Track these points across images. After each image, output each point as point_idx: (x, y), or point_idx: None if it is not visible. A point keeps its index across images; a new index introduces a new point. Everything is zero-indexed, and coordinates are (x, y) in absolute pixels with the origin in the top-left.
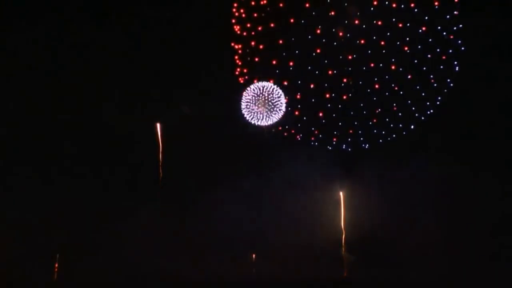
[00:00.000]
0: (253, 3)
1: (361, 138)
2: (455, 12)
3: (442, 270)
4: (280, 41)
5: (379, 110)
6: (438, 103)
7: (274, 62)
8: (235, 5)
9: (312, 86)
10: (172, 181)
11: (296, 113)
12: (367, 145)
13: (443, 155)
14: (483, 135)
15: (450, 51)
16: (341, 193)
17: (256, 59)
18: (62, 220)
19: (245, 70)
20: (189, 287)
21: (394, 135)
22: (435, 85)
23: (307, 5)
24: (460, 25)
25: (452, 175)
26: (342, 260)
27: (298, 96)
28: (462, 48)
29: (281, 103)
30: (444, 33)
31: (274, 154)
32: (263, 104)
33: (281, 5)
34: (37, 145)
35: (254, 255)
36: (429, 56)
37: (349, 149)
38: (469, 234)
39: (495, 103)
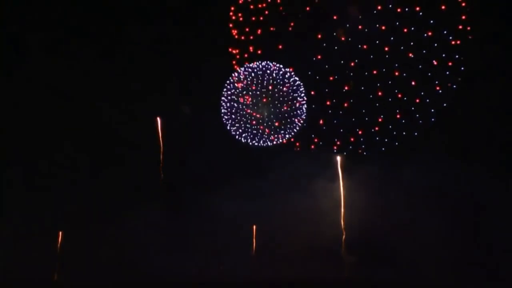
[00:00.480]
0: (251, 6)
1: (363, 146)
2: (462, 17)
3: (442, 270)
4: (280, 46)
5: (382, 117)
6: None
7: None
8: (233, 8)
9: (312, 93)
10: (173, 181)
11: (296, 120)
12: (369, 153)
13: (444, 156)
14: (485, 138)
15: (457, 56)
16: (338, 158)
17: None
18: (61, 220)
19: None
20: (189, 287)
21: (396, 143)
22: (440, 91)
23: (307, 8)
24: (468, 28)
25: (453, 175)
26: (342, 260)
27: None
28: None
29: (300, 103)
30: (450, 38)
31: (274, 153)
32: (266, 107)
33: (280, 8)
34: (36, 144)
35: (253, 255)
36: (434, 62)
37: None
38: (470, 235)
39: (501, 110)
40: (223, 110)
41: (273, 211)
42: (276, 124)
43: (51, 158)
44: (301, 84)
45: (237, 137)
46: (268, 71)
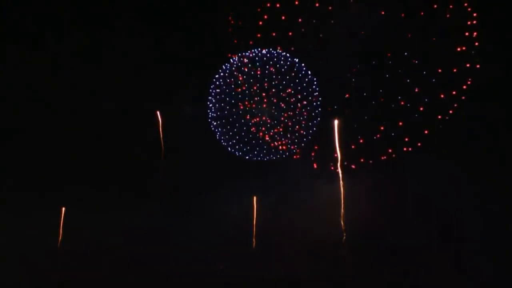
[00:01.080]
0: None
1: (363, 155)
2: (467, 22)
3: (443, 270)
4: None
5: (384, 123)
6: (447, 118)
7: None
8: (232, 13)
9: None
10: (173, 180)
11: (297, 127)
12: (370, 161)
13: (445, 156)
14: (488, 145)
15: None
16: (335, 122)
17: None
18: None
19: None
20: (187, 287)
21: (398, 151)
22: (444, 99)
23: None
24: (474, 35)
25: (454, 176)
26: (342, 260)
27: (298, 110)
28: (475, 60)
29: (315, 105)
30: (456, 44)
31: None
32: (269, 112)
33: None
34: (34, 142)
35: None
36: (439, 69)
37: (353, 166)
38: (470, 235)
39: (507, 117)
40: (211, 115)
41: (271, 211)
42: (276, 130)
43: (49, 155)
44: (314, 79)
45: (229, 148)
46: (271, 62)
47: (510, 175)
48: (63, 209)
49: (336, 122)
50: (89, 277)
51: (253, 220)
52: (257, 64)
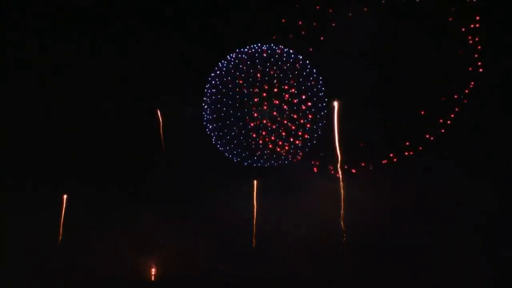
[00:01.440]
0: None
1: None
2: (470, 26)
3: (443, 270)
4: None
5: (385, 127)
6: (449, 121)
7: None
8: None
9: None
10: (173, 180)
11: (300, 131)
12: (371, 165)
13: (446, 156)
14: (488, 147)
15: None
16: (335, 103)
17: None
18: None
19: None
20: (188, 286)
21: (399, 155)
22: (445, 102)
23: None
24: (476, 39)
25: (455, 178)
26: (342, 260)
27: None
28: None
29: (321, 106)
30: (458, 47)
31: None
32: (268, 112)
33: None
34: (34, 141)
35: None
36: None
37: (353, 170)
38: (470, 235)
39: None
40: (206, 117)
41: (271, 211)
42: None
43: (48, 155)
44: (320, 78)
45: (227, 153)
46: (272, 60)
47: (510, 176)
48: (65, 197)
49: (336, 104)
50: (89, 277)
51: (253, 205)
52: (257, 61)
